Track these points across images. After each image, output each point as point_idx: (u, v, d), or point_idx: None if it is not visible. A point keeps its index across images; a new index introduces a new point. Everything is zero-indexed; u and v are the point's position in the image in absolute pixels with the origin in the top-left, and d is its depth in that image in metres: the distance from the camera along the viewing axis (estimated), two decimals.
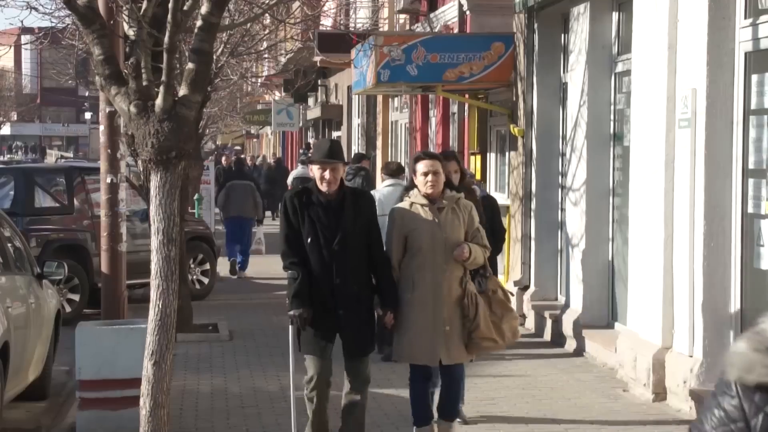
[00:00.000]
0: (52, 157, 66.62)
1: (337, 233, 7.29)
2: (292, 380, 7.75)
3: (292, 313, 7.28)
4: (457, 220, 7.60)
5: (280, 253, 7.43)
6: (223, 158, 31.82)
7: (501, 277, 8.61)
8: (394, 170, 12.08)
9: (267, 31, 18.58)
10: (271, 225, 29.29)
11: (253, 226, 21.16)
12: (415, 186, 7.68)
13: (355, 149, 29.01)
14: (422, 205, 7.59)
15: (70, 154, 78.53)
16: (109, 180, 10.46)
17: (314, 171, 7.39)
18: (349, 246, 7.31)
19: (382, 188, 11.89)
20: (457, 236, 7.57)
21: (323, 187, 7.33)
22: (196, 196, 24.57)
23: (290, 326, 7.45)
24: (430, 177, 7.58)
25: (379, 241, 7.53)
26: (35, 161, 60.59)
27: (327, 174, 7.31)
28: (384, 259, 7.52)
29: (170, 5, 6.02)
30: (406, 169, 13.29)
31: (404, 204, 7.70)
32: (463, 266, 7.59)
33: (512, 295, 8.16)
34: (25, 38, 27.79)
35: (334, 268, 7.29)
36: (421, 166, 7.63)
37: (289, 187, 29.26)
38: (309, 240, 7.29)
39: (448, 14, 18.57)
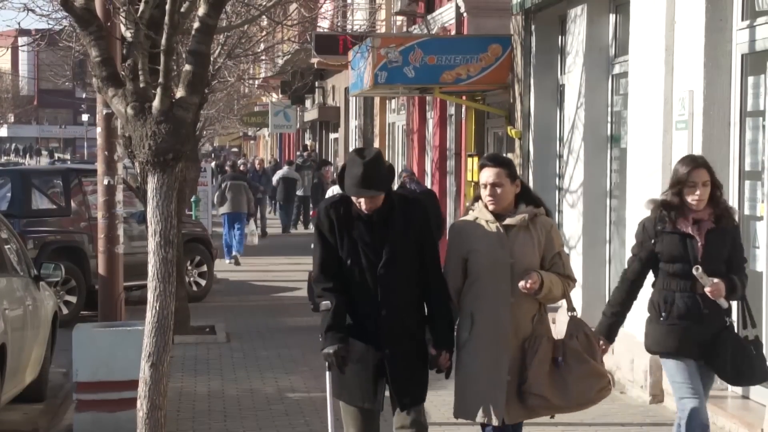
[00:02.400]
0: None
1: (383, 254, 5.96)
2: None
3: (326, 351, 5.91)
4: (530, 242, 6.09)
5: (313, 278, 6.21)
6: (228, 162, 32.74)
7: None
8: None
9: (264, 33, 18.62)
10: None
11: (247, 219, 23.50)
12: (480, 197, 6.26)
13: None
14: (487, 221, 6.13)
15: (67, 156, 78.64)
16: (106, 182, 10.46)
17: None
18: (398, 269, 5.97)
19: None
20: (528, 261, 6.06)
21: (362, 210, 6.02)
22: (193, 198, 24.66)
23: (327, 369, 6.02)
24: (488, 190, 6.14)
25: (435, 261, 6.14)
26: (62, 161, 60.81)
27: (363, 203, 5.97)
28: (441, 285, 6.13)
29: (167, 7, 6.01)
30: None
31: (467, 218, 6.25)
32: (538, 300, 6.13)
33: (607, 343, 6.57)
34: (22, 40, 27.80)
35: (379, 296, 5.96)
36: (483, 176, 6.19)
37: (275, 186, 29.88)
38: (349, 262, 6.00)
39: (445, 16, 18.57)
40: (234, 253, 22.33)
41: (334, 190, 13.80)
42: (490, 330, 6.05)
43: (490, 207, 6.12)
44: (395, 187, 11.34)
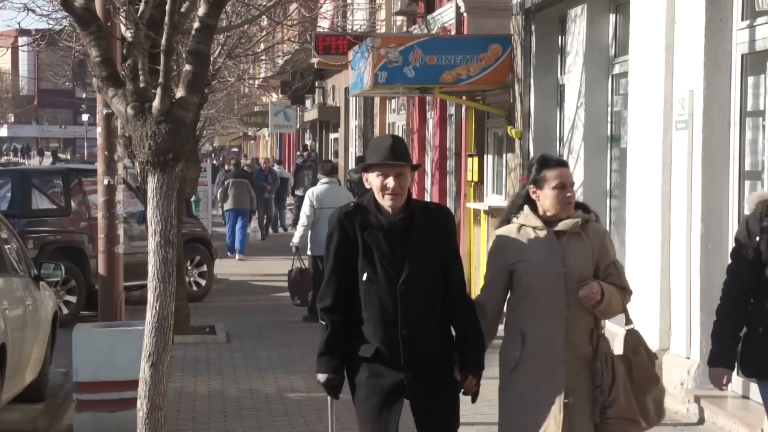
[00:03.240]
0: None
1: (403, 267, 5.35)
2: None
3: (318, 377, 5.50)
4: (584, 250, 5.46)
5: (319, 294, 5.64)
6: (230, 161, 33.58)
7: None
8: (328, 170, 14.86)
9: (264, 33, 18.62)
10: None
11: (249, 216, 24.64)
12: (526, 203, 5.56)
13: (352, 151, 29.08)
14: (534, 228, 5.49)
15: (68, 156, 78.64)
16: (106, 182, 10.46)
17: (371, 180, 5.41)
18: (421, 284, 5.35)
19: (319, 186, 14.45)
20: (581, 270, 5.43)
21: (386, 202, 5.37)
22: (193, 198, 24.69)
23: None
24: (569, 191, 5.48)
25: (459, 273, 5.51)
26: (65, 162, 60.92)
27: (390, 182, 5.33)
28: (468, 303, 5.51)
29: (167, 7, 6.02)
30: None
31: (510, 227, 5.57)
32: (594, 314, 5.47)
33: (656, 358, 5.79)
34: (22, 40, 27.78)
35: (399, 314, 5.33)
36: (555, 176, 5.47)
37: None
38: (365, 276, 5.37)
39: (445, 16, 18.56)
40: (237, 256, 23.21)
41: (316, 192, 14.15)
42: (544, 347, 5.42)
43: (566, 211, 5.47)
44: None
